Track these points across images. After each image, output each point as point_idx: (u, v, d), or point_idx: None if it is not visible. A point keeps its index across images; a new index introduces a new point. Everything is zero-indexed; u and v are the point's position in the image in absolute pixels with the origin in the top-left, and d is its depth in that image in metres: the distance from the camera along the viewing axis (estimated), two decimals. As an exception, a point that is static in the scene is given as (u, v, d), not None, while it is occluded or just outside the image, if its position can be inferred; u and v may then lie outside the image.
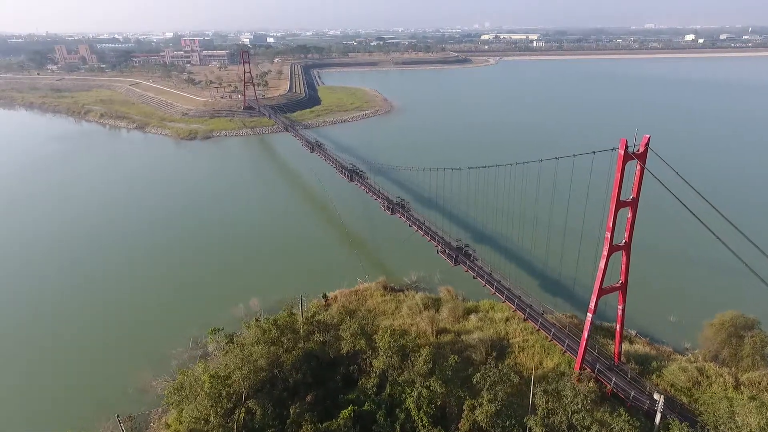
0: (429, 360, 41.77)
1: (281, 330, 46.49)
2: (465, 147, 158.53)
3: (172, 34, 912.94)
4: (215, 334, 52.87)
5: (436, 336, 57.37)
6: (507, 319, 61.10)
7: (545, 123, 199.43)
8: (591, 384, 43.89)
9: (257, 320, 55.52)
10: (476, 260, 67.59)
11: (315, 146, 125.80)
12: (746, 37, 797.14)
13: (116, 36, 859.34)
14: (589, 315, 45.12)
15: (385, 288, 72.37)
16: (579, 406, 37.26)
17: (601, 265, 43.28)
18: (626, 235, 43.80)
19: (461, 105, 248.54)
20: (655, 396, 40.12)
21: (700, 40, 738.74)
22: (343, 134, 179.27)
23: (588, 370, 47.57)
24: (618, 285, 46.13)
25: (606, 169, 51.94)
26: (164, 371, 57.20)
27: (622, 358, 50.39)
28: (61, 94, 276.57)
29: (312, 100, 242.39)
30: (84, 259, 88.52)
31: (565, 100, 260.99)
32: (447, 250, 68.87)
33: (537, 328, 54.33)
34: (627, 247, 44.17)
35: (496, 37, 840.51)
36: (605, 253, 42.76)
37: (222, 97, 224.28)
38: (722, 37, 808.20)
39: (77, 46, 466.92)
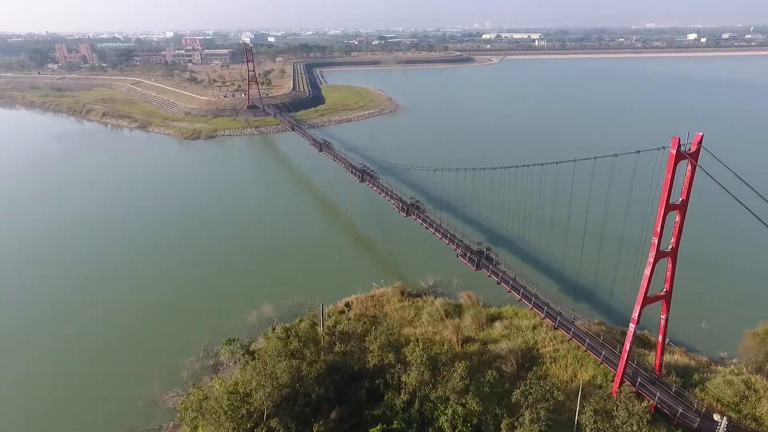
0: (465, 376, 38.80)
1: (303, 342, 43.54)
2: (475, 146, 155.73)
3: (172, 33, 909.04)
4: (230, 344, 49.93)
5: (462, 345, 54.52)
6: (534, 327, 58.22)
7: (560, 123, 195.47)
8: (644, 404, 40.50)
9: (273, 329, 52.63)
10: (498, 264, 64.75)
11: (323, 146, 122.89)
12: (748, 36, 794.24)
13: (116, 35, 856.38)
14: (632, 326, 42.23)
15: (402, 293, 69.52)
16: (634, 428, 34.36)
17: (647, 272, 40.40)
18: (673, 240, 40.90)
19: (467, 104, 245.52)
20: (716, 417, 37.24)
21: (703, 39, 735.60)
22: (349, 134, 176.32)
23: (628, 383, 44.72)
24: (662, 294, 43.27)
25: (630, 171, 49.49)
26: (175, 382, 54.28)
27: (662, 371, 47.52)
28: (62, 93, 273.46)
29: (316, 99, 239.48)
30: (86, 261, 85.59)
31: (580, 100, 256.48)
32: (468, 254, 65.98)
33: (569, 337, 51.44)
34: (674, 254, 41.29)
35: (498, 36, 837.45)
36: (651, 259, 39.88)
37: (225, 96, 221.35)
38: (724, 36, 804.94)
39: (78, 45, 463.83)
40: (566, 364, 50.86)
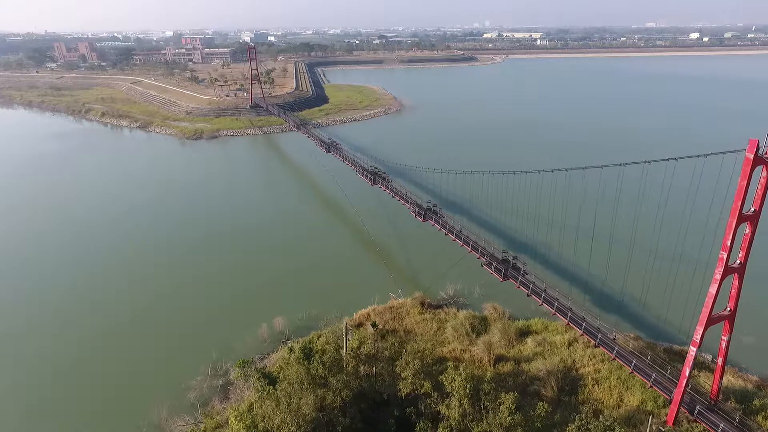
0: (515, 410, 34.41)
1: (328, 369, 39.15)
2: (489, 147, 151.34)
3: (171, 33, 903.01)
4: (244, 367, 45.54)
5: (494, 365, 50.24)
6: (569, 344, 53.97)
7: (589, 123, 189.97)
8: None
9: (291, 349, 48.18)
10: (527, 274, 60.40)
11: (331, 146, 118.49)
12: (751, 35, 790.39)
13: (116, 35, 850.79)
14: (693, 349, 37.95)
15: (422, 304, 65.19)
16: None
17: (712, 290, 36.14)
18: (741, 255, 36.62)
19: (475, 103, 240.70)
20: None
21: (705, 38, 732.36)
22: (356, 134, 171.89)
23: (684, 410, 40.45)
24: (726, 313, 38.97)
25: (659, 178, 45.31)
26: (181, 405, 49.98)
27: (720, 395, 43.23)
28: (60, 92, 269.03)
29: (320, 98, 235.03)
30: (82, 269, 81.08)
31: (605, 100, 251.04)
32: (493, 263, 61.61)
33: (612, 357, 47.10)
34: (741, 270, 37.01)
35: (499, 35, 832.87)
36: (718, 276, 35.61)
37: (227, 96, 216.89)
38: (727, 35, 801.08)
39: (76, 44, 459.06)
40: (610, 387, 46.59)
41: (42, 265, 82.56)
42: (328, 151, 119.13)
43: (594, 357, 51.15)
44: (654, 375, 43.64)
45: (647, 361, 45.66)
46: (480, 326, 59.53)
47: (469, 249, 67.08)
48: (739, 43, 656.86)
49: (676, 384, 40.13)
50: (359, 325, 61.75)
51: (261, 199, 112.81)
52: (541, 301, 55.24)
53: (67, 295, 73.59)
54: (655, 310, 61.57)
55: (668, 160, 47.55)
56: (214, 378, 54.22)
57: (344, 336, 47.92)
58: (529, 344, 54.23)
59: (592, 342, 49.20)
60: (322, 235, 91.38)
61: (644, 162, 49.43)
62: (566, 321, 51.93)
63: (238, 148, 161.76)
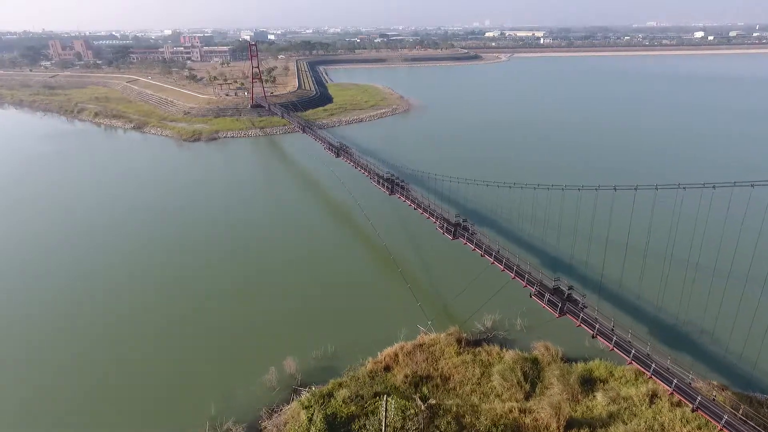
0: None
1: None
2: (510, 151, 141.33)
3: (170, 31, 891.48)
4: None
5: (563, 432, 40.29)
6: (650, 398, 43.98)
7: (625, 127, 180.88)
8: None
9: (307, 407, 38.20)
10: (585, 308, 50.43)
11: (341, 150, 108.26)
12: (756, 34, 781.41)
13: (114, 33, 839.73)
14: None
15: (459, 342, 55.18)
16: None
17: None
18: None
19: (489, 103, 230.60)
20: None
21: (710, 37, 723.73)
22: (363, 135, 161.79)
23: None
24: None
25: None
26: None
27: None
28: (53, 91, 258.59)
29: (323, 97, 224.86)
30: (54, 297, 69.55)
31: (623, 101, 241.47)
32: (547, 295, 51.57)
33: (720, 427, 37.05)
34: None
35: (502, 34, 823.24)
36: None
37: (227, 95, 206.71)
38: (732, 34, 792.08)
39: (72, 42, 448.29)
40: (717, 467, 36.59)
41: (9, 288, 72.27)
42: (337, 155, 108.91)
43: (684, 418, 41.22)
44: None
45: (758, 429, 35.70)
46: (532, 371, 49.70)
47: (513, 275, 57.02)
48: (746, 41, 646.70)
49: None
50: (386, 368, 51.74)
51: (264, 211, 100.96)
52: (612, 346, 45.17)
53: (30, 332, 63.22)
54: (739, 350, 51.68)
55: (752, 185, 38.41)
56: (212, 439, 44.26)
57: (383, 417, 37.40)
58: (600, 400, 44.22)
59: (688, 404, 39.16)
60: (334, 255, 79.72)
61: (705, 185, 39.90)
62: (648, 373, 41.85)
63: (239, 150, 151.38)
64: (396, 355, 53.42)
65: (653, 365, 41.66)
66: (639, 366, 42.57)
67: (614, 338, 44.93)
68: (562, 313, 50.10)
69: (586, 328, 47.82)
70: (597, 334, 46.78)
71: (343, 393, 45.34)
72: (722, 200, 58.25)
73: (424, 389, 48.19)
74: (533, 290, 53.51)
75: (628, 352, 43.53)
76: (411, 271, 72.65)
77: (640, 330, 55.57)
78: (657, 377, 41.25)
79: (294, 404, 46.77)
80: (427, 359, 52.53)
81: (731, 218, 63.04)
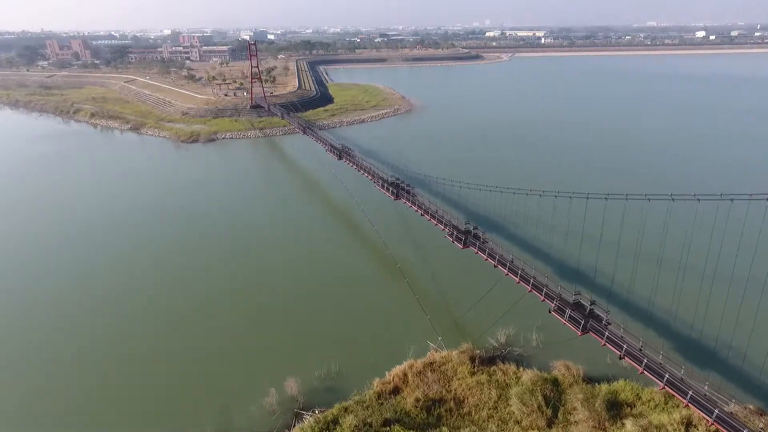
0: None
1: None
2: (517, 153, 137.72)
3: (170, 31, 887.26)
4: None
5: (593, 468, 36.64)
6: (685, 427, 40.30)
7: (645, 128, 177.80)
8: None
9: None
10: (609, 324, 46.79)
11: (343, 153, 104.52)
12: (758, 33, 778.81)
13: (113, 33, 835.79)
14: None
15: (472, 360, 51.49)
16: None
17: None
18: None
19: (492, 103, 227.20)
20: None
21: (712, 37, 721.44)
22: (365, 136, 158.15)
23: None
24: None
25: None
26: None
27: None
28: (50, 91, 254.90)
29: (324, 98, 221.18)
30: (35, 317, 64.73)
31: (635, 101, 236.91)
32: (568, 311, 47.86)
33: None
34: None
35: (503, 33, 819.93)
36: None
37: (226, 95, 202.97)
38: (734, 33, 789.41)
39: (69, 41, 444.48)
40: None
41: None
42: (340, 158, 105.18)
43: (724, 451, 37.50)
44: None
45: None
46: (552, 394, 46.03)
47: (529, 288, 53.35)
48: (750, 41, 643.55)
49: None
50: (395, 390, 48.06)
51: (263, 217, 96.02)
52: (641, 368, 41.48)
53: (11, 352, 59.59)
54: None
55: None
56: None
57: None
58: (630, 429, 40.48)
59: (731, 437, 35.47)
60: (337, 264, 75.54)
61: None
62: (686, 401, 38.15)
63: (238, 152, 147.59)
64: (405, 374, 49.78)
65: (690, 392, 38.06)
66: (674, 392, 38.93)
67: (645, 360, 41.31)
68: (584, 331, 46.42)
69: (612, 348, 44.16)
70: (624, 356, 43.13)
71: (349, 420, 41.73)
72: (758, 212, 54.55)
73: (437, 414, 44.54)
74: (552, 305, 49.87)
75: (660, 376, 39.87)
76: (418, 282, 68.92)
77: (670, 348, 51.87)
78: (695, 405, 37.63)
79: (296, 431, 43.19)
80: (438, 380, 48.86)
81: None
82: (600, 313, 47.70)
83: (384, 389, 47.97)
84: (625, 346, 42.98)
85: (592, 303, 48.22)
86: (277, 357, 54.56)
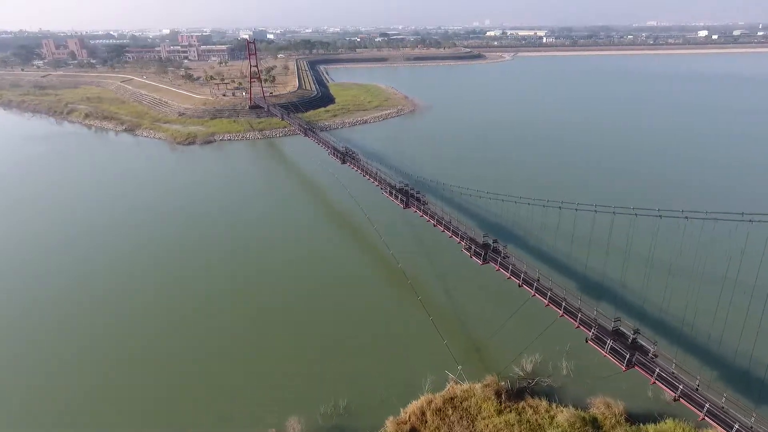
0: None
1: None
2: (530, 156, 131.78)
3: (168, 30, 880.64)
4: None
5: None
6: (754, 486, 34.43)
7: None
8: None
9: None
10: (656, 356, 40.97)
11: (346, 156, 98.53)
12: (761, 33, 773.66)
13: (111, 32, 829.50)
14: None
15: (497, 394, 45.60)
16: None
17: None
18: None
19: (499, 104, 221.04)
20: None
21: (715, 36, 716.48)
22: (368, 138, 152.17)
23: None
24: None
25: None
26: None
27: None
28: (44, 91, 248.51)
29: (325, 98, 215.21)
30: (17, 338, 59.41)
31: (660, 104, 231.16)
32: (609, 341, 41.98)
33: None
34: None
35: (504, 33, 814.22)
36: None
37: (224, 95, 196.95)
38: (736, 33, 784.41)
39: (66, 41, 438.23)
40: None
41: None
42: (343, 161, 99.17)
43: None
44: None
45: None
46: (593, 437, 40.18)
47: (561, 312, 47.45)
48: (753, 40, 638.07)
49: None
50: (412, 431, 42.18)
51: (263, 228, 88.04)
52: (702, 414, 35.66)
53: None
54: None
55: None
56: None
57: None
58: (690, 485, 34.67)
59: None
60: (343, 280, 68.60)
61: None
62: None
63: (237, 155, 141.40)
64: (422, 412, 43.92)
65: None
66: (745, 443, 33.09)
67: (707, 405, 35.45)
68: (629, 365, 40.57)
69: (664, 388, 38.32)
70: (680, 397, 37.29)
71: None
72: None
73: (462, 463, 38.65)
74: (589, 333, 44.00)
75: (728, 426, 34.03)
76: (432, 300, 62.85)
77: (731, 385, 46.12)
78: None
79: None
80: (461, 418, 43.02)
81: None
82: (645, 344, 41.94)
83: (400, 430, 42.09)
84: (681, 387, 37.11)
85: (636, 331, 42.40)
86: (277, 392, 48.17)
